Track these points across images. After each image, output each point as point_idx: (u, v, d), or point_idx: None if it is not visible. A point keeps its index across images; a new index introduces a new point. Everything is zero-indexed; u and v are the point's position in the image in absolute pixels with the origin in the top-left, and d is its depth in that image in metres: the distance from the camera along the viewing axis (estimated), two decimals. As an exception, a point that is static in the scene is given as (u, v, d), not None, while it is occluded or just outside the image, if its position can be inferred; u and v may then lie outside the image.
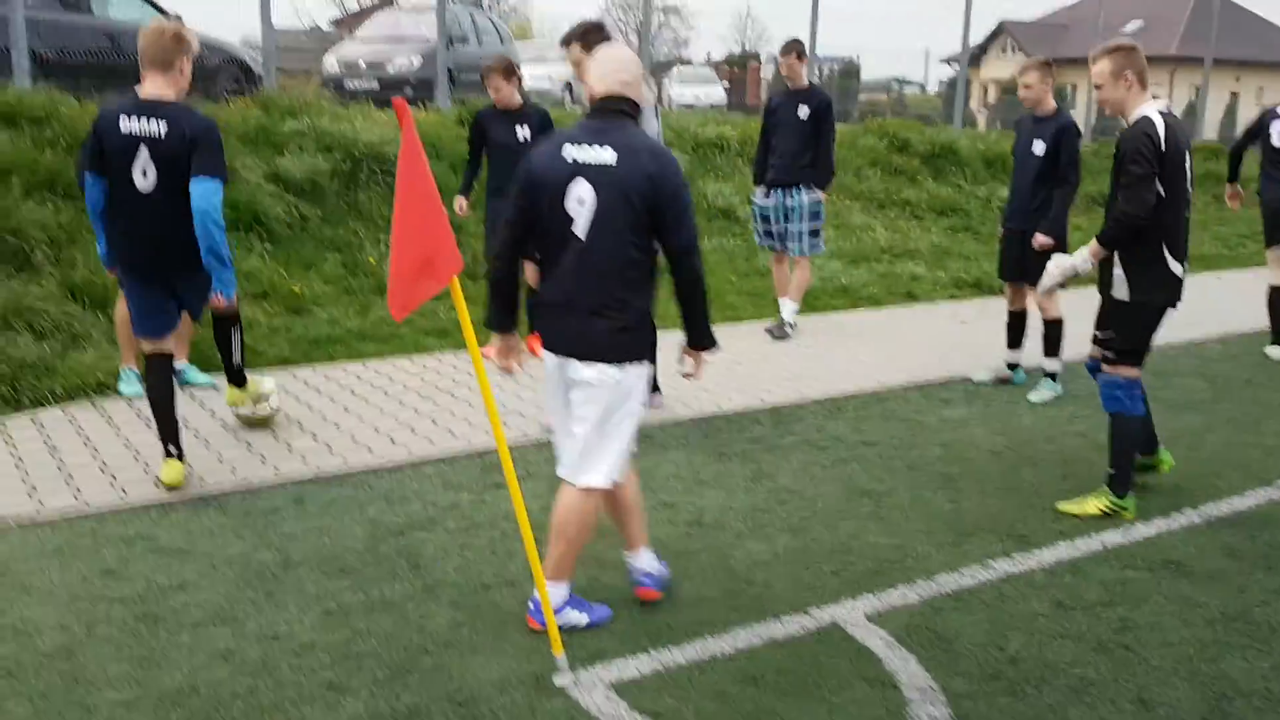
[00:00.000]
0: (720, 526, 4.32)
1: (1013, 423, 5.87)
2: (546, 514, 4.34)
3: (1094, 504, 4.51)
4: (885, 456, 5.23)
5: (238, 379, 5.26)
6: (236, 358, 5.21)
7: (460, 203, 6.75)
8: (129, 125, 4.28)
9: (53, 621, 3.44)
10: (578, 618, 3.47)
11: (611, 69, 3.33)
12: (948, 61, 36.77)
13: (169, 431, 4.58)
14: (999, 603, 3.71)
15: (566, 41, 5.23)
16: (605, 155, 3.20)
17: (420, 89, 12.42)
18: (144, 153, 4.28)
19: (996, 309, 9.00)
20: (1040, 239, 6.08)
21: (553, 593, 3.37)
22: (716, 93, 26.60)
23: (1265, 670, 3.30)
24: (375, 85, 12.74)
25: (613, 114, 3.29)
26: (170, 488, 4.51)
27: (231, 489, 4.60)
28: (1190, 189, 4.33)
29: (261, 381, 5.38)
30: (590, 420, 3.31)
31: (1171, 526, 4.42)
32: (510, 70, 6.50)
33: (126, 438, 5.18)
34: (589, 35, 5.07)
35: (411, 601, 3.64)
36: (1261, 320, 7.78)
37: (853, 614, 3.61)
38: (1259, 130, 7.53)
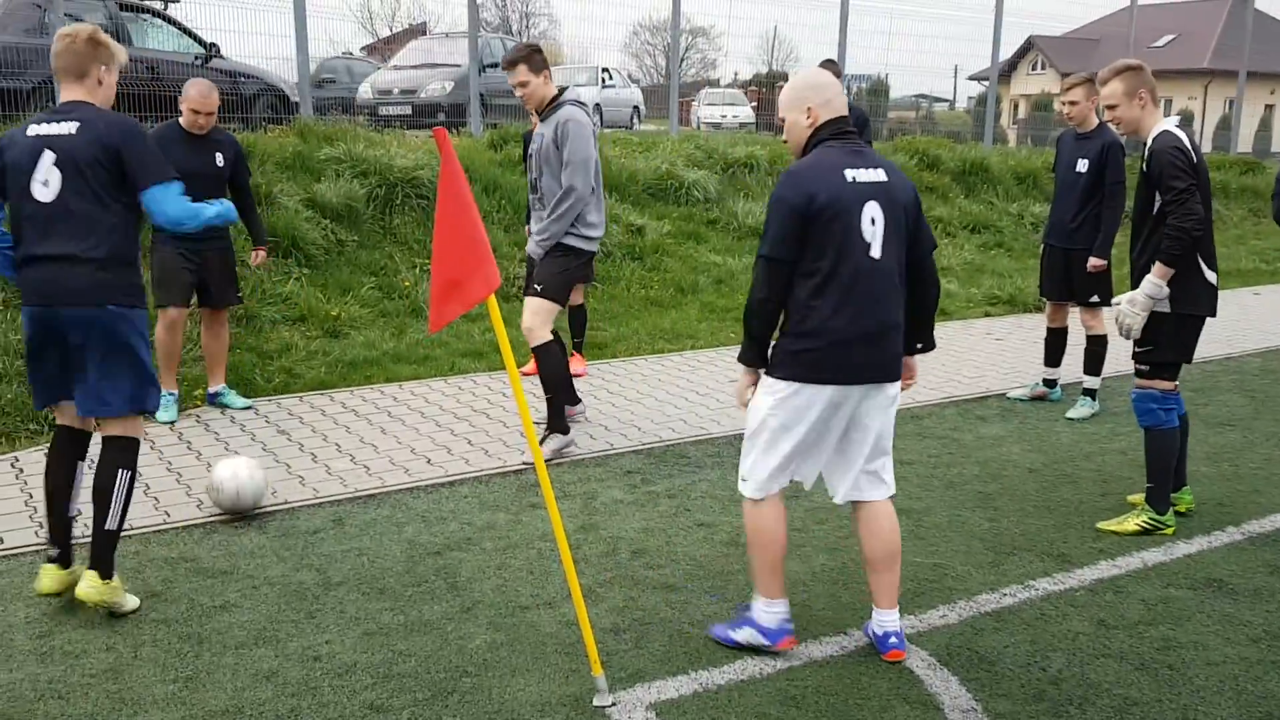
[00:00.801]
0: (756, 546, 4.32)
1: (1050, 440, 5.82)
2: (583, 534, 4.40)
3: (1134, 521, 4.47)
4: (922, 475, 5.21)
5: (101, 559, 3.64)
6: (114, 519, 3.65)
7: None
8: (35, 130, 3.58)
9: (100, 643, 3.50)
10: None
11: (840, 92, 3.40)
12: (976, 78, 36.65)
13: (53, 527, 3.77)
14: (1040, 622, 3.68)
15: (510, 64, 5.40)
16: (879, 175, 3.25)
17: (453, 114, 12.57)
18: (47, 159, 3.53)
19: (1031, 325, 8.97)
20: (1094, 261, 6.10)
21: (894, 617, 3.46)
22: (745, 113, 26.64)
23: (1313, 690, 3.25)
24: (409, 111, 12.91)
25: (853, 134, 3.34)
26: (43, 595, 3.71)
27: (272, 510, 4.66)
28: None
29: (125, 597, 3.73)
30: (888, 435, 3.41)
31: (1213, 544, 4.37)
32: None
33: (169, 460, 5.26)
34: (534, 57, 5.39)
35: (450, 622, 3.66)
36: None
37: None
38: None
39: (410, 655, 3.44)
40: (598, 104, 19.86)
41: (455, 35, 14.01)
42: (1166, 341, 4.34)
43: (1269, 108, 31.30)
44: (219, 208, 3.87)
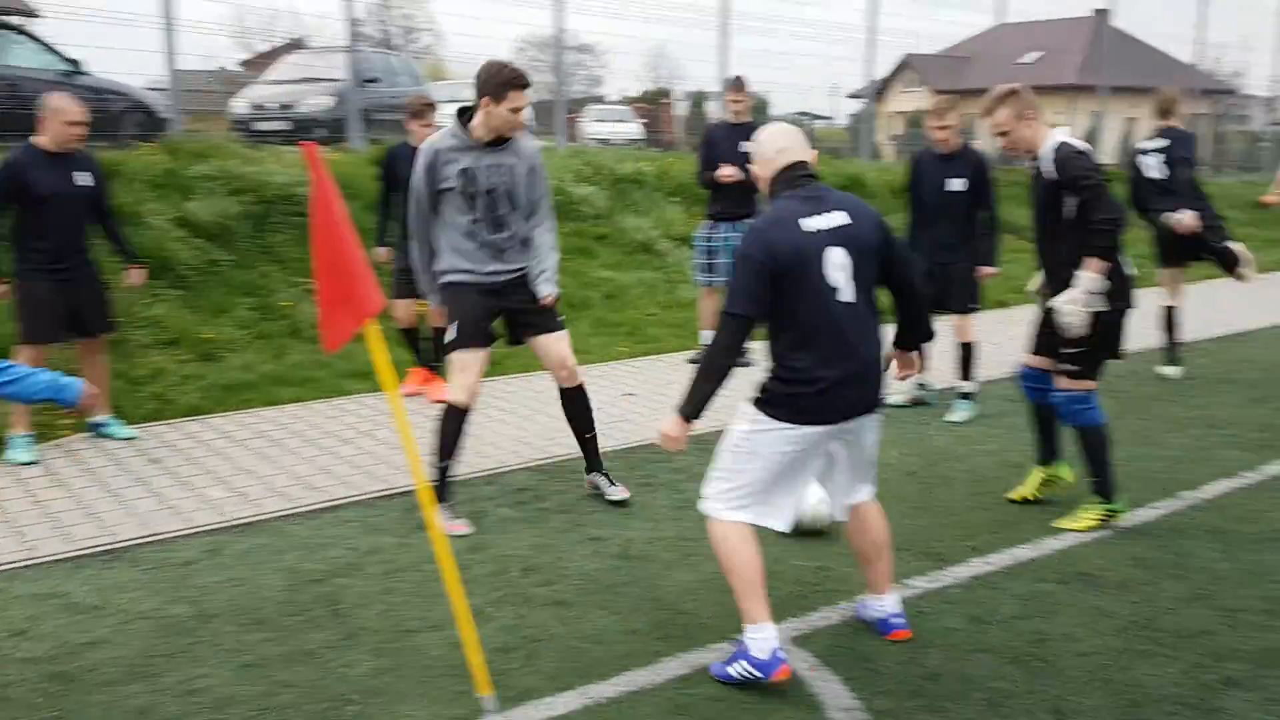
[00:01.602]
0: (648, 557, 4.34)
1: (926, 444, 6.01)
2: (472, 554, 4.35)
3: (1086, 518, 4.67)
4: (806, 482, 5.32)
5: None
6: None
7: (382, 253, 6.65)
8: None
9: (-45, 688, 3.31)
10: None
11: (798, 139, 3.47)
12: (854, 96, 37.72)
13: None
14: (917, 620, 3.78)
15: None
16: (840, 218, 3.30)
17: (333, 129, 12.35)
18: None
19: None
20: (988, 270, 6.46)
21: (893, 601, 3.66)
22: (633, 129, 26.85)
23: (1174, 676, 3.41)
24: (286, 126, 12.62)
25: (808, 180, 3.40)
26: None
27: (144, 542, 4.48)
28: None
29: None
30: (876, 445, 3.57)
31: (1082, 539, 4.56)
32: (416, 111, 6.57)
33: (34, 494, 5.01)
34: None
35: (332, 650, 3.57)
36: (1160, 337, 8.10)
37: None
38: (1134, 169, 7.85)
39: (291, 686, 3.34)
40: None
41: (334, 49, 13.76)
42: (1100, 340, 4.47)
43: (1131, 121, 33.01)
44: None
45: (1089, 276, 4.34)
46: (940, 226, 6.41)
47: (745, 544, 3.35)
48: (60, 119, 5.43)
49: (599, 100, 33.79)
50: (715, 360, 3.34)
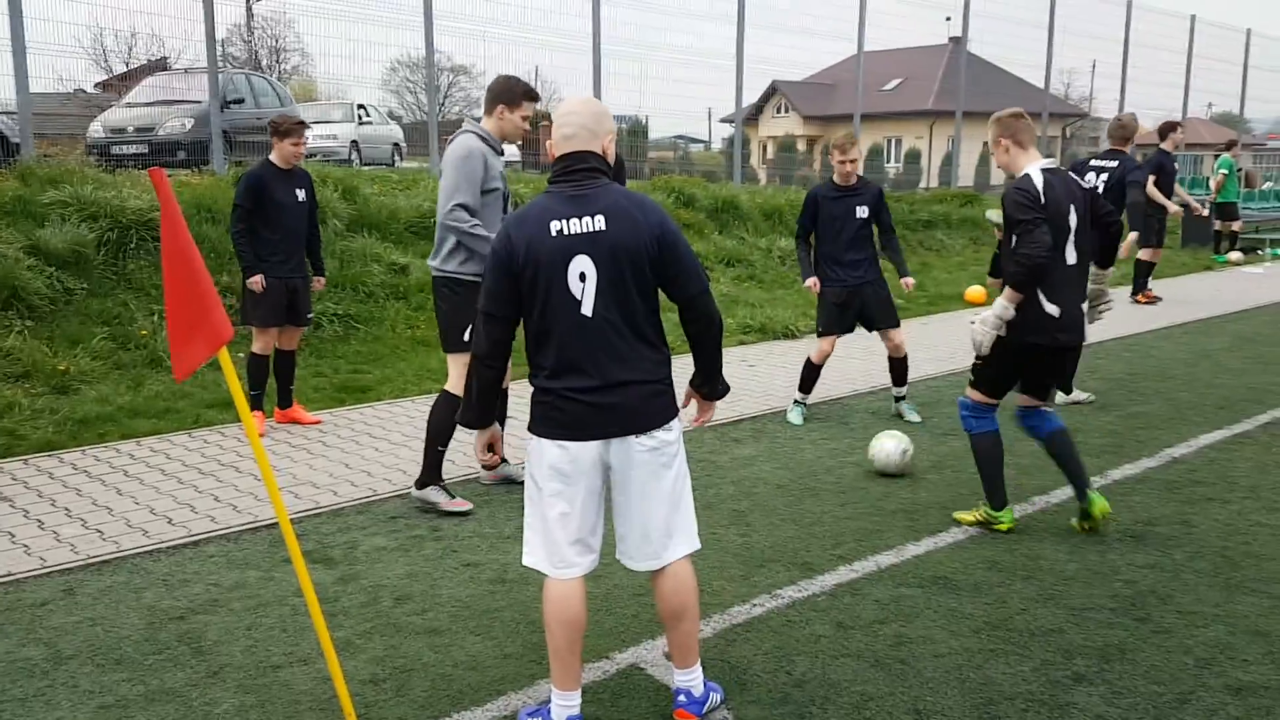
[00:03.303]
0: (524, 581, 4.33)
1: (796, 457, 6.17)
2: (342, 585, 4.27)
3: (974, 514, 4.98)
4: (679, 499, 5.40)
5: None
6: None
7: (259, 282, 6.38)
8: None
9: None
10: (717, 699, 3.33)
11: (590, 123, 3.07)
12: (727, 120, 38.50)
13: None
14: (786, 628, 3.89)
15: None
16: (596, 223, 2.97)
17: (193, 152, 11.99)
18: None
19: (781, 351, 9.49)
20: (909, 280, 6.95)
21: (696, 679, 3.25)
22: (510, 151, 26.79)
23: (1026, 673, 3.58)
24: (145, 150, 12.20)
25: (581, 173, 3.04)
26: None
27: (-10, 586, 4.26)
28: (1072, 239, 4.61)
29: None
30: (665, 493, 3.12)
31: (939, 544, 4.76)
32: (287, 130, 6.44)
33: None
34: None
35: (195, 689, 3.46)
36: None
37: (653, 654, 3.70)
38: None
39: (150, 727, 3.23)
40: (355, 141, 19.48)
41: (195, 70, 13.37)
42: (993, 359, 4.71)
43: (987, 144, 34.53)
44: None
45: (1001, 303, 4.58)
46: (853, 252, 6.77)
47: (550, 599, 3.12)
48: None
49: (476, 121, 33.64)
50: (477, 361, 3.15)
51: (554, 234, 2.97)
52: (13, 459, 5.87)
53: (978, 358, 4.79)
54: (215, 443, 6.31)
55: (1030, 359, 4.71)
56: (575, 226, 2.97)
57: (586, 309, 2.98)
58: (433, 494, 5.23)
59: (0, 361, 6.83)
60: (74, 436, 6.23)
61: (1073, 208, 4.64)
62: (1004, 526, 4.89)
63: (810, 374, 6.98)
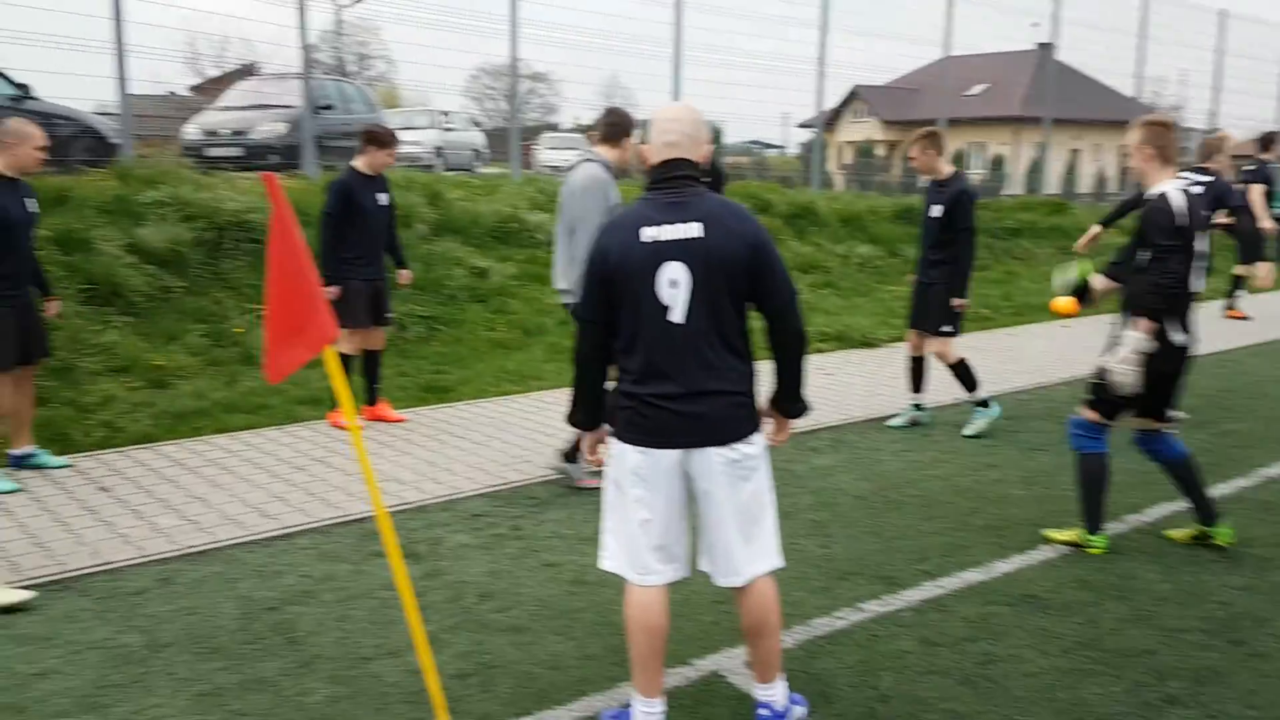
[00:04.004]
0: (603, 583, 4.36)
1: (877, 469, 6.10)
2: (428, 580, 4.35)
3: (1067, 534, 4.84)
4: (760, 507, 5.38)
5: None
6: None
7: (336, 292, 6.47)
8: None
9: (-102, 722, 3.25)
10: (801, 713, 3.32)
11: (691, 131, 3.07)
12: (805, 126, 38.23)
13: None
14: (870, 643, 3.85)
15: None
16: (691, 230, 2.96)
17: (286, 156, 12.30)
18: None
19: (859, 360, 9.40)
20: (955, 301, 6.64)
21: (778, 693, 3.23)
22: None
23: (1118, 694, 3.51)
24: (239, 152, 12.56)
25: (677, 181, 3.04)
26: None
27: (94, 571, 4.42)
28: (1202, 263, 4.48)
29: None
30: (747, 504, 3.11)
31: (1029, 562, 4.67)
32: (385, 140, 6.61)
33: (-24, 524, 4.93)
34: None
35: (288, 678, 3.55)
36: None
37: (733, 662, 3.70)
38: (1136, 202, 7.85)
39: (246, 715, 3.32)
40: (439, 147, 19.79)
41: (287, 76, 13.72)
42: (1114, 384, 4.52)
43: (1075, 152, 33.79)
44: None
45: (1134, 336, 4.40)
46: (925, 247, 6.76)
47: (631, 604, 3.13)
48: (31, 144, 5.34)
49: (553, 128, 33.96)
50: (576, 365, 3.19)
51: (645, 240, 2.97)
52: (112, 450, 6.08)
53: (1096, 378, 4.64)
54: (306, 438, 6.47)
55: (1155, 386, 4.57)
56: (669, 233, 2.96)
57: (676, 316, 2.98)
58: (573, 469, 5.64)
59: (101, 356, 7.08)
60: (170, 430, 6.43)
61: (1200, 233, 4.50)
62: (1097, 551, 4.77)
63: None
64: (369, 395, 6.91)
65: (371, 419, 6.89)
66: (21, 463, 5.67)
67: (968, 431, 6.83)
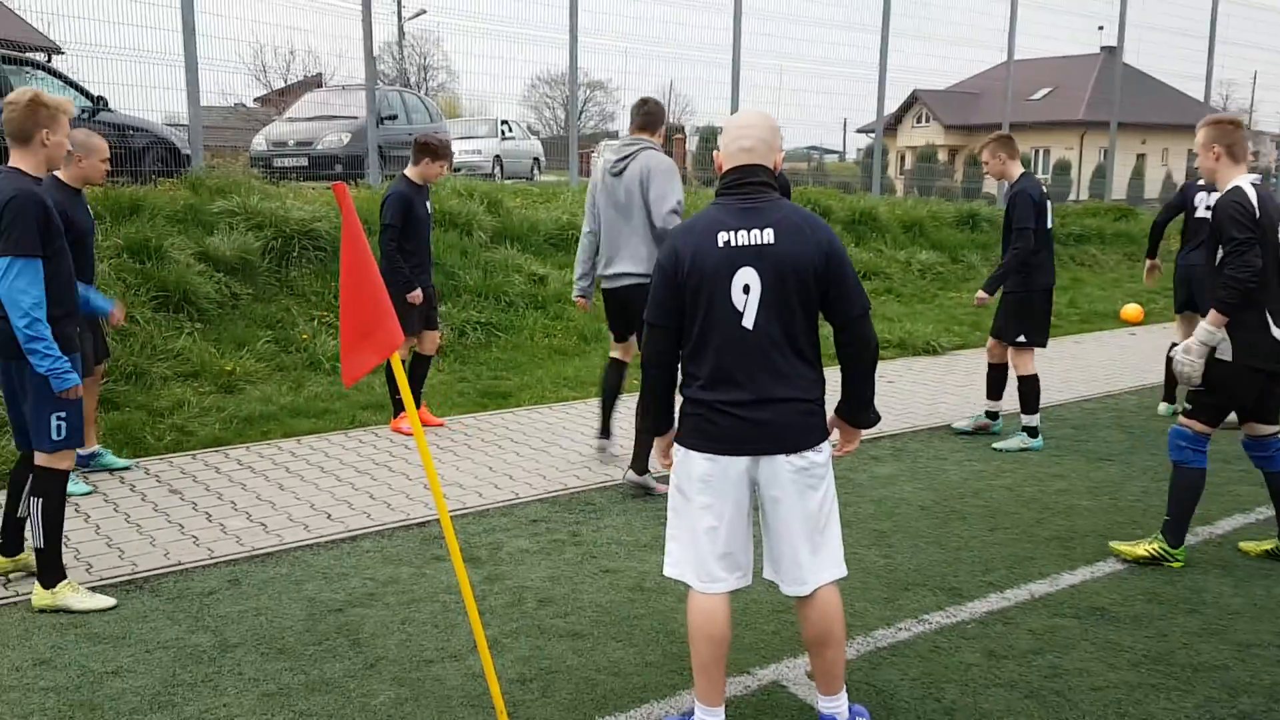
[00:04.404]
0: (662, 590, 4.36)
1: (940, 478, 6.03)
2: (488, 585, 4.39)
3: (1144, 548, 4.68)
4: (820, 516, 5.34)
5: (42, 571, 4.12)
6: (37, 539, 4.08)
7: (419, 295, 6.56)
8: None
9: (-19, 716, 3.35)
10: None
11: (766, 137, 3.08)
12: (864, 131, 37.91)
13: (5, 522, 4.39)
14: (934, 654, 3.80)
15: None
16: (764, 236, 2.96)
17: (350, 166, 12.51)
18: None
19: (920, 368, 9.29)
20: (978, 295, 6.59)
21: (841, 705, 3.17)
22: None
23: (1189, 710, 3.42)
24: (304, 162, 12.81)
25: (751, 186, 3.04)
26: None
27: (164, 572, 4.53)
28: None
29: (76, 597, 4.15)
30: (812, 513, 3.08)
31: (1095, 574, 4.58)
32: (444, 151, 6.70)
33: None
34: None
35: (353, 680, 3.61)
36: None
37: (794, 672, 3.67)
38: (1181, 203, 7.72)
39: (312, 715, 3.37)
40: (498, 155, 20.00)
41: (352, 87, 13.98)
42: (1216, 386, 4.47)
43: (1141, 156, 33.09)
44: (49, 356, 3.86)
45: (1205, 329, 4.37)
46: (1003, 255, 6.67)
47: (694, 612, 3.10)
48: (97, 156, 5.49)
49: (611, 136, 34.16)
50: (644, 370, 3.17)
51: (720, 245, 2.96)
52: (183, 454, 6.23)
53: (1198, 385, 4.55)
54: (370, 443, 6.57)
55: (1256, 386, 4.46)
56: (743, 238, 2.96)
57: (748, 321, 2.96)
58: (648, 480, 5.67)
59: (172, 361, 7.27)
60: (239, 434, 6.57)
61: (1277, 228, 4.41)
62: (1178, 564, 4.66)
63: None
64: (396, 405, 6.96)
65: (394, 429, 6.94)
66: (88, 462, 5.84)
67: (999, 445, 6.66)
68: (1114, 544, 4.81)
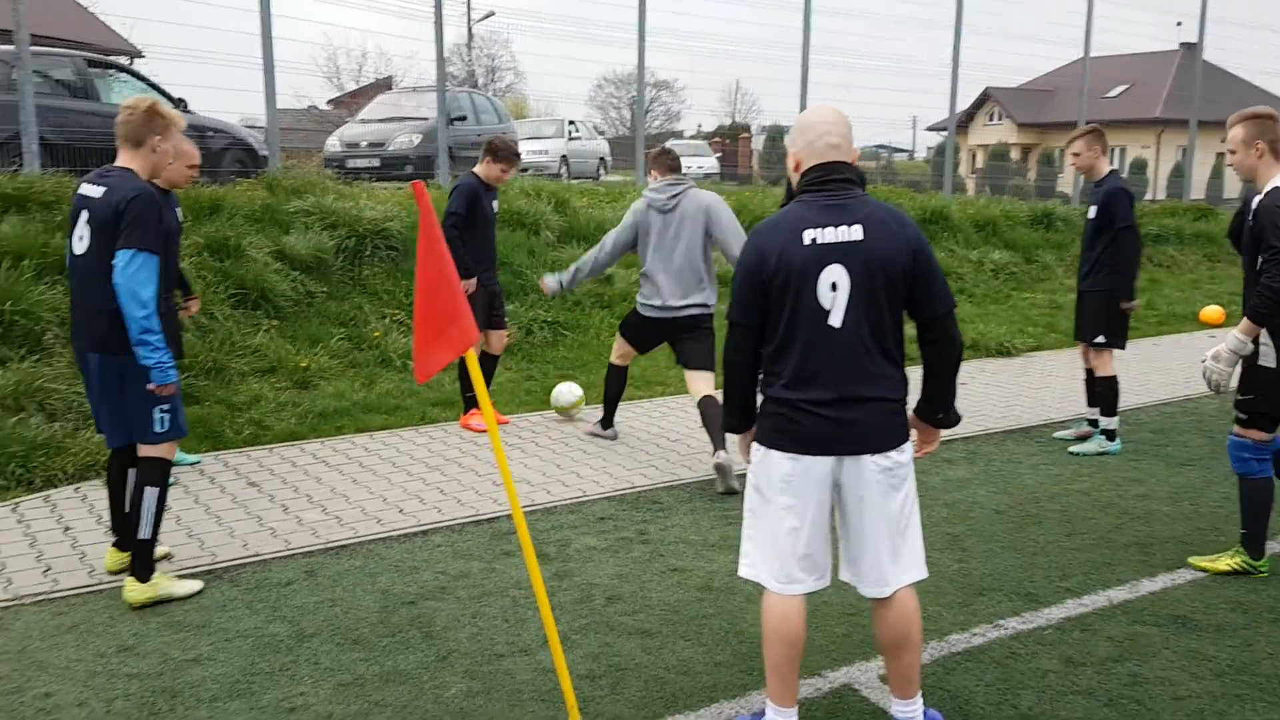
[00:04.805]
0: (731, 590, 4.35)
1: (1015, 482, 5.92)
2: (557, 581, 4.41)
3: (1225, 562, 4.55)
4: (890, 518, 5.28)
5: (140, 564, 4.19)
6: (144, 530, 4.16)
7: (473, 285, 6.66)
8: (82, 189, 4.15)
9: (71, 698, 3.46)
10: None
11: (824, 131, 3.04)
12: (934, 129, 37.40)
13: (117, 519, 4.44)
14: (1010, 661, 3.73)
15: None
16: (853, 233, 2.93)
17: (420, 166, 12.69)
18: (82, 217, 4.09)
19: (994, 370, 9.13)
20: (1125, 304, 6.32)
21: (916, 710, 3.13)
22: (709, 163, 27.11)
23: (1277, 722, 3.32)
24: (377, 163, 13.02)
25: (835, 184, 3.01)
26: (109, 572, 4.47)
27: (243, 562, 4.64)
28: None
29: (174, 584, 4.30)
30: (895, 515, 3.05)
31: (1177, 581, 4.46)
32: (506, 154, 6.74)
33: (138, 514, 5.22)
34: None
35: (426, 672, 3.65)
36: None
37: (866, 675, 3.63)
38: (1245, 210, 7.43)
39: (386, 705, 3.43)
40: (564, 155, 20.12)
41: (423, 89, 14.18)
42: (1266, 393, 4.34)
43: (1220, 155, 32.19)
44: (158, 350, 3.98)
45: (1236, 337, 4.24)
46: (1082, 253, 6.52)
47: (770, 613, 3.08)
48: (185, 161, 5.60)
49: (676, 135, 34.14)
50: (728, 368, 3.14)
51: (807, 243, 2.93)
52: (259, 447, 6.37)
53: (1242, 393, 4.42)
54: (440, 439, 6.65)
55: None
56: (830, 235, 2.92)
57: (835, 320, 2.93)
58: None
59: (250, 357, 7.43)
60: (313, 428, 6.70)
61: None
62: (1263, 574, 4.52)
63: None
64: (466, 402, 7.02)
65: (464, 425, 6.99)
66: None
67: (1075, 448, 6.50)
68: (1193, 559, 4.64)
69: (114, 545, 4.49)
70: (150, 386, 4.02)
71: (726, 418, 3.24)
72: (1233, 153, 4.40)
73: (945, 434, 6.79)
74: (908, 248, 2.94)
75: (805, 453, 2.98)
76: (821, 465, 2.98)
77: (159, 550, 4.42)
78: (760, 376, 3.11)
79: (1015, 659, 3.75)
